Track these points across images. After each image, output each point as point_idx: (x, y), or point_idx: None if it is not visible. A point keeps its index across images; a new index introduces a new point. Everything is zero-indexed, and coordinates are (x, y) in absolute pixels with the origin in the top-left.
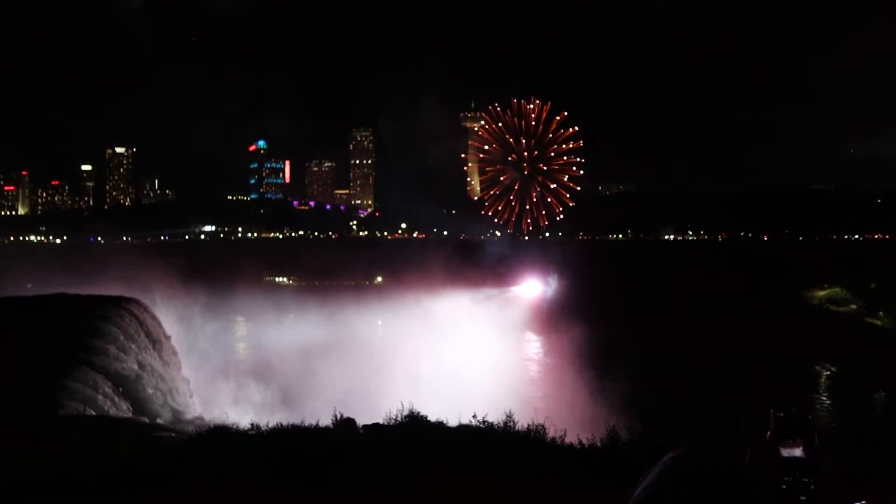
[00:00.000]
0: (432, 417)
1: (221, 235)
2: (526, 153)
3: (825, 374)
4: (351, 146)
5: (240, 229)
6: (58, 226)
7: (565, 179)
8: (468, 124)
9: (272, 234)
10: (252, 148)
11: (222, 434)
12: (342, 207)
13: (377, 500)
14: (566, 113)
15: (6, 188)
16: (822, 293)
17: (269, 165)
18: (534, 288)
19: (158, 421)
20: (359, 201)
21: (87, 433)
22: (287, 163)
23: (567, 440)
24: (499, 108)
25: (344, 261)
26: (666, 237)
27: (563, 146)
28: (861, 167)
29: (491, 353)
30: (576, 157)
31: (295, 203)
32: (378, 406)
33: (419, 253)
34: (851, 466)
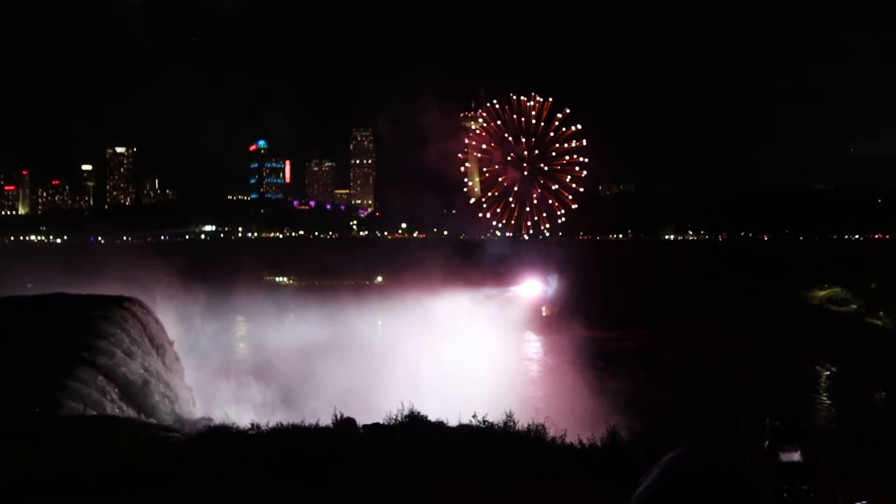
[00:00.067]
0: (432, 417)
1: (221, 235)
2: (526, 153)
3: (825, 374)
4: (351, 146)
5: (240, 229)
6: (58, 226)
7: (567, 180)
8: (468, 124)
9: (272, 234)
10: (252, 148)
11: (222, 434)
12: (342, 207)
13: (377, 500)
14: (568, 110)
15: (6, 188)
16: (822, 293)
17: (269, 165)
18: (534, 288)
19: (154, 421)
20: (359, 201)
21: (87, 433)
22: (287, 163)
23: (567, 440)
24: (497, 106)
25: (344, 261)
26: (666, 237)
27: (565, 145)
28: (861, 167)
29: (491, 352)
30: (578, 157)
31: (295, 203)
32: (378, 406)
33: (419, 253)
34: (851, 466)
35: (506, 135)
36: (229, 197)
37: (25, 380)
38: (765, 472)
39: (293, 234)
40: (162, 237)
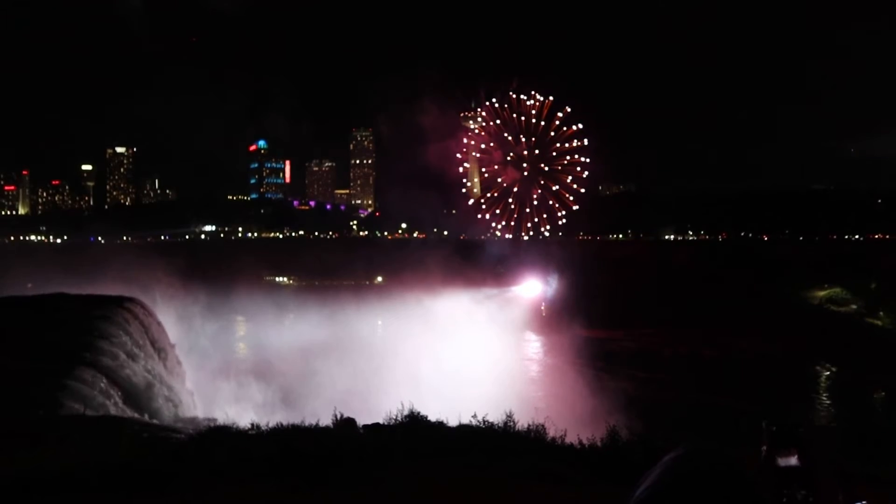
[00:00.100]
0: (432, 417)
1: (221, 235)
2: (526, 152)
3: (825, 374)
4: (351, 146)
5: (240, 229)
6: (58, 225)
7: (568, 181)
8: (468, 124)
9: (272, 234)
10: (252, 148)
11: (222, 434)
12: (342, 207)
13: (377, 500)
14: (569, 109)
15: (6, 188)
16: (822, 293)
17: (269, 165)
18: (534, 288)
19: (156, 421)
20: (359, 201)
21: (87, 433)
22: (287, 163)
23: (567, 440)
24: (496, 105)
25: (344, 261)
26: (666, 237)
27: (566, 145)
28: (861, 167)
29: (491, 352)
30: (579, 158)
31: (295, 203)
32: (378, 406)
33: (419, 253)
34: (851, 466)
35: (505, 134)
36: (229, 197)
37: (25, 380)
38: (763, 477)
39: (293, 234)
40: (162, 237)
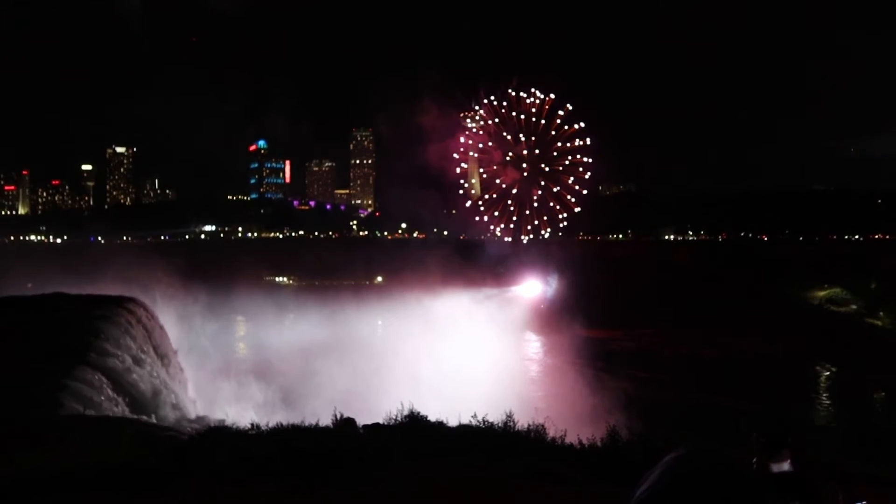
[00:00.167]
0: (432, 417)
1: (221, 235)
2: (525, 152)
3: (825, 374)
4: (351, 146)
5: (240, 229)
6: (58, 225)
7: (569, 181)
8: (468, 123)
9: (272, 234)
10: (252, 148)
11: (222, 434)
12: (342, 207)
13: (377, 500)
14: (570, 107)
15: (6, 188)
16: (822, 293)
17: (269, 165)
18: (534, 288)
19: (154, 418)
20: (359, 201)
21: (87, 433)
22: (287, 163)
23: (567, 440)
24: (495, 103)
25: (344, 261)
26: (666, 237)
27: (567, 144)
28: (861, 167)
29: (491, 352)
30: (581, 158)
31: (295, 203)
32: (378, 406)
33: (419, 253)
34: (851, 466)
35: (504, 133)
36: (229, 197)
37: (25, 380)
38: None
39: (293, 234)
40: (162, 237)
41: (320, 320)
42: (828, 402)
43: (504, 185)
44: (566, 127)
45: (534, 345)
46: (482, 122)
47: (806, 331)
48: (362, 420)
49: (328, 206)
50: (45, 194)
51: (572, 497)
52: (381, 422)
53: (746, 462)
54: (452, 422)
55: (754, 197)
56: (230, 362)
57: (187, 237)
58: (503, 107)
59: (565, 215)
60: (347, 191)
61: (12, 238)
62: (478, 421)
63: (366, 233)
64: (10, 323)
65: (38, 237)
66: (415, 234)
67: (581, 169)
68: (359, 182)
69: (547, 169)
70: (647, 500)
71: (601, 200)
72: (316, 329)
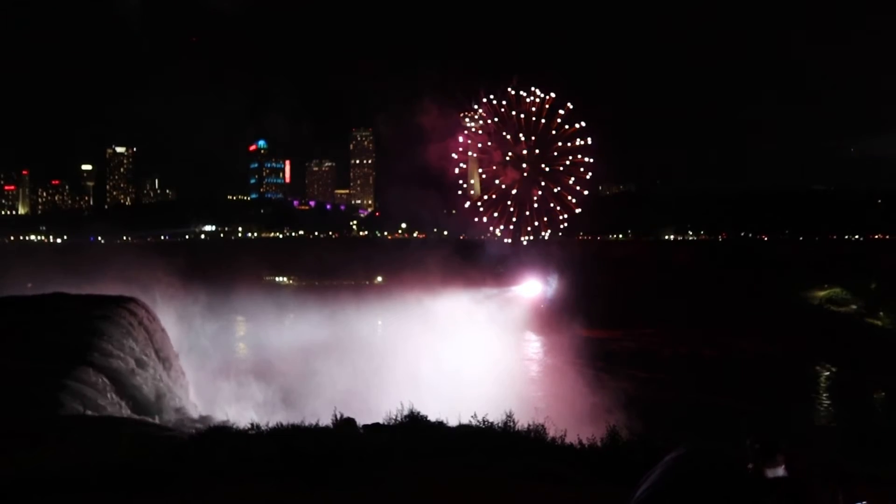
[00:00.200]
0: (432, 417)
1: (221, 235)
2: (525, 152)
3: (825, 374)
4: (351, 146)
5: (240, 229)
6: (58, 225)
7: (570, 182)
8: (467, 123)
9: (272, 234)
10: (252, 148)
11: (222, 434)
12: (342, 207)
13: (377, 500)
14: (571, 106)
15: (6, 188)
16: (822, 293)
17: (269, 165)
18: (534, 288)
19: (157, 420)
20: (359, 201)
21: (87, 433)
22: (287, 163)
23: (567, 440)
24: (494, 101)
25: (344, 261)
26: (666, 237)
27: (568, 144)
28: (861, 167)
29: (491, 352)
30: (583, 158)
31: (295, 203)
32: (378, 406)
33: (419, 253)
34: (851, 466)
35: (504, 133)
36: (229, 197)
37: (25, 380)
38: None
39: (293, 234)
40: (162, 237)
41: (320, 320)
42: (828, 402)
43: (504, 186)
44: (567, 126)
45: (534, 345)
46: (481, 122)
47: (806, 331)
48: (362, 420)
49: (328, 206)
50: (45, 194)
51: (572, 497)
52: (381, 422)
53: (745, 463)
54: (452, 422)
55: (754, 197)
56: (230, 362)
57: (187, 237)
58: (503, 106)
59: (566, 216)
60: (347, 191)
61: (12, 238)
62: (478, 421)
63: (366, 233)
64: (10, 323)
65: (38, 237)
66: (415, 234)
67: (582, 169)
68: (359, 182)
69: (547, 169)
70: (647, 499)
71: (601, 200)
72: (316, 329)
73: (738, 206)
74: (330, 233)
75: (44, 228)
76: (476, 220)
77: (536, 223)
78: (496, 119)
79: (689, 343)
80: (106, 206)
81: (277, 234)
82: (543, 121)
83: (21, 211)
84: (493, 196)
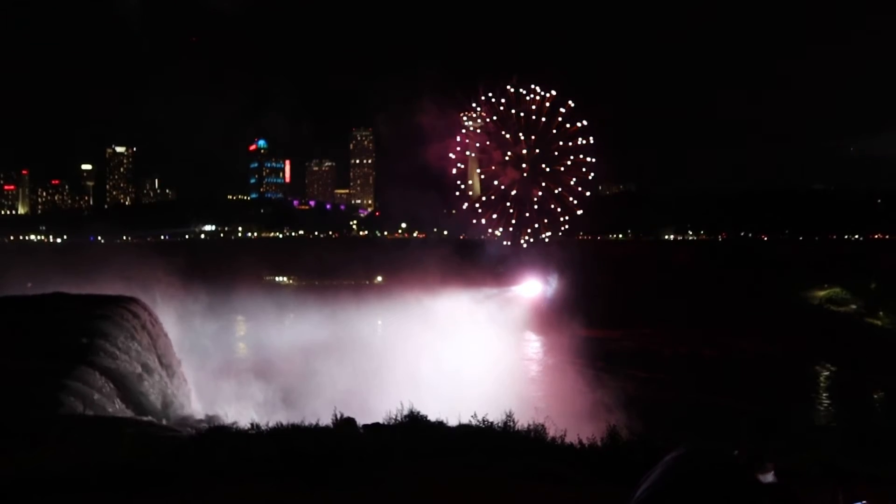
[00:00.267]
0: (432, 417)
1: (221, 235)
2: (525, 151)
3: (825, 374)
4: (351, 146)
5: (240, 229)
6: (58, 225)
7: (572, 183)
8: (466, 123)
9: (272, 234)
10: (252, 148)
11: (222, 434)
12: (342, 207)
13: (377, 500)
14: (572, 104)
15: (6, 187)
16: (822, 293)
17: (269, 165)
18: (534, 287)
19: (157, 420)
20: (359, 201)
21: (87, 433)
22: (287, 162)
23: (567, 440)
24: (493, 99)
25: (344, 261)
26: (666, 237)
27: (569, 143)
28: (861, 167)
29: (491, 352)
30: (584, 157)
31: (295, 203)
32: (378, 406)
33: (419, 252)
34: (851, 466)
35: (503, 132)
36: (229, 197)
37: (25, 379)
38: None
39: (293, 233)
40: (162, 237)
41: (320, 320)
42: (828, 402)
43: (503, 187)
44: (568, 125)
45: (534, 344)
46: (480, 121)
47: (806, 331)
48: (362, 420)
49: (328, 206)
50: (44, 194)
51: (572, 497)
52: (381, 422)
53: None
54: (452, 422)
55: (754, 197)
56: (230, 362)
57: (187, 237)
58: (501, 104)
59: (567, 217)
60: (347, 191)
61: (12, 238)
62: (478, 421)
63: (366, 233)
64: (10, 323)
65: (38, 237)
66: (415, 234)
67: (584, 169)
68: (359, 182)
69: (548, 169)
70: (647, 499)
71: (601, 200)
72: (316, 329)
73: (738, 206)
74: (330, 233)
75: (44, 228)
76: (474, 221)
77: (537, 225)
78: (495, 118)
79: (689, 343)
80: (106, 206)
81: (277, 233)
82: (544, 119)
83: (21, 211)
84: (493, 197)
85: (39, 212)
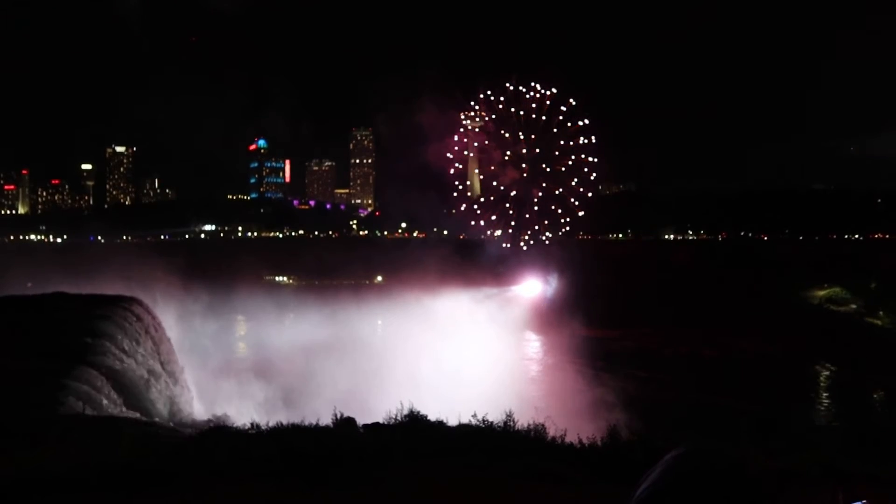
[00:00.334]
0: (432, 417)
1: (221, 235)
2: (525, 151)
3: (825, 374)
4: (351, 146)
5: (240, 229)
6: (58, 225)
7: (573, 183)
8: (465, 122)
9: (272, 234)
10: (252, 147)
11: (222, 434)
12: (342, 207)
13: (377, 500)
14: (573, 102)
15: (6, 187)
16: (822, 293)
17: (269, 165)
18: (534, 287)
19: (158, 420)
20: (359, 200)
21: (87, 433)
22: (287, 162)
23: (567, 439)
24: (492, 98)
25: (344, 260)
26: (666, 237)
27: (571, 143)
28: (861, 167)
29: (491, 352)
30: (586, 157)
31: (295, 202)
32: (378, 406)
33: (419, 252)
34: (851, 466)
35: (502, 131)
36: (229, 197)
37: (25, 379)
38: None
39: (293, 233)
40: (162, 237)
41: (320, 320)
42: (828, 401)
43: (502, 188)
44: (569, 124)
45: (534, 344)
46: (479, 120)
47: (806, 331)
48: (362, 420)
49: (328, 206)
50: (44, 194)
51: (572, 497)
52: (381, 422)
53: (747, 461)
54: (452, 422)
55: (754, 197)
56: (231, 361)
57: (187, 237)
58: (500, 102)
59: (568, 219)
60: (347, 190)
61: (12, 237)
62: (478, 420)
63: (366, 232)
64: (10, 323)
65: (38, 236)
66: (415, 234)
67: (586, 169)
68: (359, 182)
69: (548, 169)
70: (647, 499)
71: (601, 200)
72: (316, 329)
73: (738, 205)
74: (330, 232)
75: (44, 228)
76: (473, 222)
77: (537, 227)
78: (494, 117)
79: (689, 343)
80: (106, 206)
81: (277, 233)
82: (544, 118)
83: (21, 210)
84: (492, 198)
85: (39, 212)
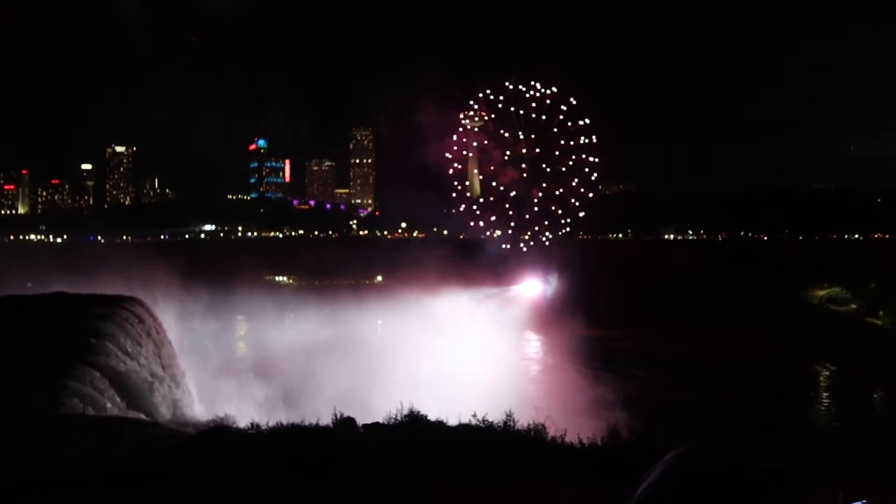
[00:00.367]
0: (432, 417)
1: (221, 235)
2: (525, 150)
3: (825, 374)
4: (351, 146)
5: (240, 228)
6: (58, 225)
7: (574, 184)
8: (465, 122)
9: (272, 234)
10: (252, 147)
11: (222, 434)
12: (342, 207)
13: (377, 500)
14: (573, 101)
15: (6, 187)
16: (822, 293)
17: (269, 165)
18: (534, 287)
19: (158, 420)
20: (359, 200)
21: (87, 433)
22: (287, 162)
23: (567, 439)
24: (492, 98)
25: (344, 260)
26: (666, 237)
27: (571, 142)
28: (861, 167)
29: (491, 352)
30: (587, 157)
31: (295, 202)
32: (378, 406)
33: (419, 252)
34: (851, 466)
35: (502, 131)
36: (229, 197)
37: (25, 379)
38: None
39: (293, 233)
40: (162, 237)
41: (320, 320)
42: (828, 401)
43: (502, 188)
44: (569, 124)
45: (534, 344)
46: (479, 120)
47: (806, 331)
48: (362, 420)
49: (328, 206)
50: (44, 194)
51: (572, 497)
52: (381, 421)
53: (747, 461)
54: (452, 421)
55: (754, 197)
56: (231, 361)
57: (187, 237)
58: (500, 102)
59: (568, 219)
60: (347, 190)
61: (12, 237)
62: (478, 420)
63: (366, 232)
64: (10, 323)
65: (38, 236)
66: (415, 234)
67: (587, 169)
68: (359, 182)
69: (548, 169)
70: (647, 498)
71: (601, 200)
72: (316, 328)
73: (738, 206)
74: (330, 232)
75: (44, 228)
76: (473, 223)
77: (537, 228)
78: (493, 116)
79: (689, 343)
80: (106, 206)
81: (277, 233)
82: (544, 117)
83: (21, 210)
84: (492, 198)
85: (39, 211)
